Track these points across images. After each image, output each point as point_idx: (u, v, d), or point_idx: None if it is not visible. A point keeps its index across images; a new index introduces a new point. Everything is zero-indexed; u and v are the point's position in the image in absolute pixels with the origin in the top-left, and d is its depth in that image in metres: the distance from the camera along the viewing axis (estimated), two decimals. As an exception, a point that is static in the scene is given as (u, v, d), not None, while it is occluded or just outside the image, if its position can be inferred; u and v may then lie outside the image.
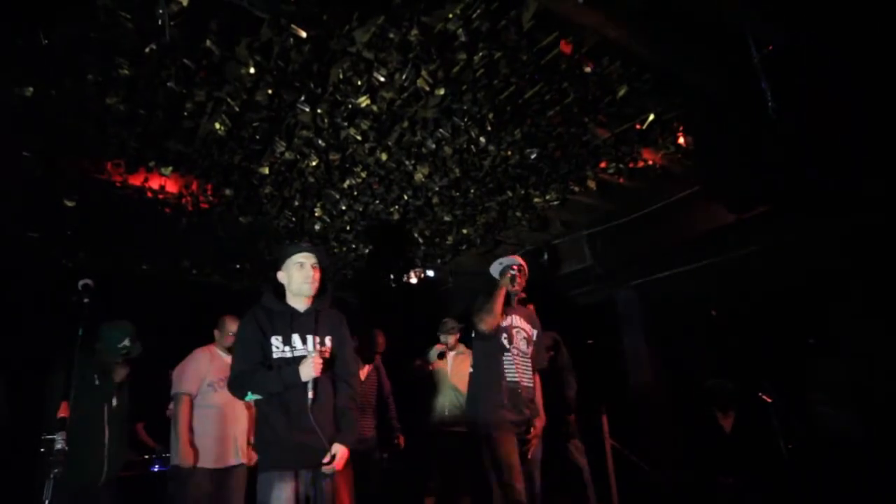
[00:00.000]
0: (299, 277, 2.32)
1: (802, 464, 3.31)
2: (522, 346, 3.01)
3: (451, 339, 4.44)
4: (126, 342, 2.97)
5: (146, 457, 4.41)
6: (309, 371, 2.15)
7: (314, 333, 2.32)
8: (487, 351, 2.97)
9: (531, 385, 3.00)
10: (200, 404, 3.28)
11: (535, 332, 3.13)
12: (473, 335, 3.07)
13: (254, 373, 2.20)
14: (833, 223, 3.47)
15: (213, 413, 3.26)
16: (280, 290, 2.39)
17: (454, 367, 4.39)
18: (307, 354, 2.20)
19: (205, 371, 3.31)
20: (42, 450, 2.14)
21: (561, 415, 3.80)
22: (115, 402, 2.98)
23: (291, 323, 2.29)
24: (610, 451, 4.11)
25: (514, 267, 3.08)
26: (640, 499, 4.15)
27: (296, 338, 2.28)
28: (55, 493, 2.06)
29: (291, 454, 2.15)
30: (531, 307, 3.20)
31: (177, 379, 3.32)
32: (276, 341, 2.25)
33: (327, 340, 2.35)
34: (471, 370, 3.15)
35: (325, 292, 2.43)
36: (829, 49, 2.44)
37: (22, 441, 2.79)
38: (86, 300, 2.35)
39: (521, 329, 3.05)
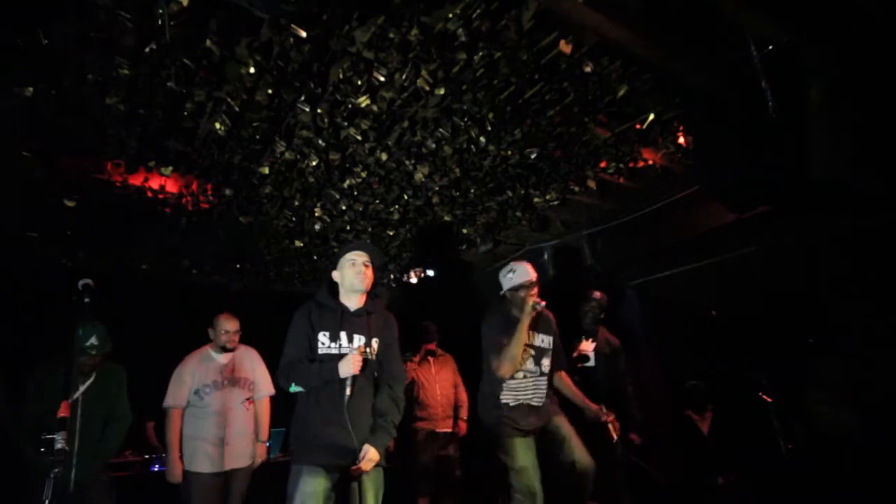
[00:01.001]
0: (351, 273, 2.41)
1: (802, 464, 3.31)
2: (530, 366, 2.86)
3: (433, 345, 4.64)
4: (93, 340, 2.92)
5: (146, 457, 4.40)
6: (347, 368, 2.21)
7: (362, 333, 2.37)
8: (491, 376, 2.84)
9: (541, 404, 2.85)
10: (195, 411, 3.26)
11: (548, 339, 2.96)
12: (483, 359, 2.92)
13: (298, 364, 2.28)
14: (833, 223, 3.47)
15: (209, 418, 3.23)
16: (334, 289, 2.46)
17: (436, 369, 4.56)
18: (350, 352, 2.25)
19: (191, 379, 3.29)
20: (42, 449, 2.13)
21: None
22: (82, 404, 2.90)
23: (341, 320, 2.35)
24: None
25: (533, 293, 2.83)
26: (639, 498, 4.15)
27: (343, 335, 2.33)
28: (55, 492, 2.07)
29: (322, 451, 2.18)
30: (542, 304, 2.85)
31: (167, 393, 3.31)
32: (323, 337, 2.31)
33: (374, 342, 2.39)
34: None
35: (378, 294, 2.52)
36: (830, 48, 2.44)
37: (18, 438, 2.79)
38: (86, 300, 2.35)
39: (528, 348, 2.87)
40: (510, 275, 2.93)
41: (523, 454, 2.69)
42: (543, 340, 2.95)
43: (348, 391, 2.22)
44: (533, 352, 2.88)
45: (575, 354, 3.84)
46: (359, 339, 2.35)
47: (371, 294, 2.49)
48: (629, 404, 3.81)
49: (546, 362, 2.91)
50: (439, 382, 4.51)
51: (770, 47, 2.50)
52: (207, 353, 3.42)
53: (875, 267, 3.48)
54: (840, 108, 2.46)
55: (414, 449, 4.31)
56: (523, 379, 2.82)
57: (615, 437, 3.00)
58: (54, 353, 2.81)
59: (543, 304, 2.79)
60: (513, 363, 2.72)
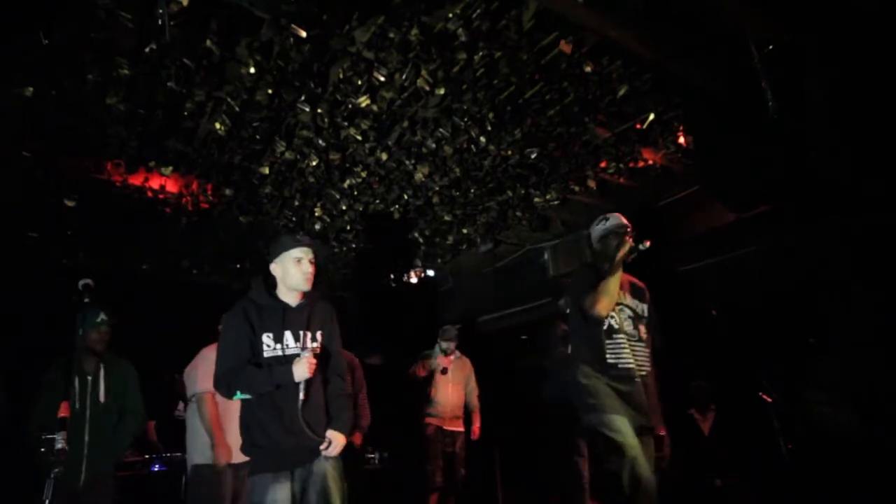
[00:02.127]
0: (296, 273, 2.24)
1: (801, 464, 3.31)
2: (628, 327, 2.51)
3: (453, 346, 4.61)
4: (102, 316, 2.93)
5: (146, 456, 4.40)
6: (303, 371, 2.08)
7: (306, 329, 2.25)
8: (586, 336, 2.48)
9: (644, 375, 2.46)
10: (223, 400, 3.25)
11: (643, 306, 2.63)
12: (568, 311, 2.62)
13: (241, 371, 2.10)
14: (833, 223, 3.47)
15: (233, 408, 3.24)
16: (270, 283, 2.31)
17: (454, 372, 4.57)
18: (300, 353, 2.13)
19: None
20: (43, 450, 2.13)
21: None
22: (90, 399, 2.90)
23: (283, 319, 2.21)
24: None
25: (628, 234, 2.53)
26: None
27: (288, 335, 2.20)
28: (56, 492, 2.07)
29: (286, 456, 2.10)
30: (647, 244, 2.49)
31: (192, 380, 3.28)
32: (266, 339, 2.16)
33: (318, 335, 2.28)
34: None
35: (317, 286, 2.36)
36: (830, 48, 2.44)
37: (22, 440, 2.79)
38: (86, 300, 2.35)
39: (625, 307, 2.56)
40: (602, 223, 2.66)
41: (629, 431, 2.28)
42: (638, 306, 2.62)
43: (302, 395, 2.10)
44: (630, 312, 2.55)
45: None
46: (304, 337, 2.22)
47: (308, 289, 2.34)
48: None
49: (643, 329, 2.55)
50: (452, 383, 4.54)
51: (770, 47, 2.50)
52: None
53: (875, 266, 3.48)
54: (840, 108, 2.46)
55: (423, 443, 4.36)
56: (623, 340, 2.45)
57: (666, 453, 2.52)
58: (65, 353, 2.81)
59: (649, 243, 2.45)
60: (610, 299, 2.38)
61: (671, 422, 2.59)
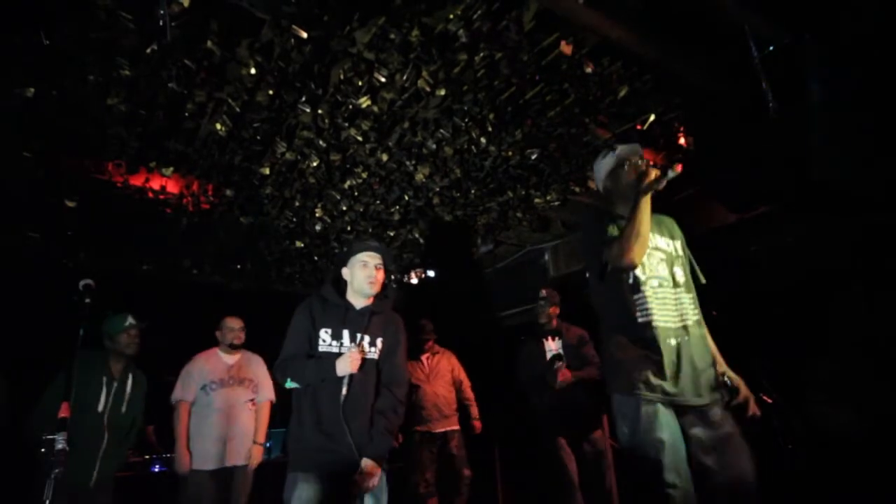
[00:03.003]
0: (362, 276, 2.32)
1: (801, 463, 3.32)
2: (662, 271, 1.99)
3: (430, 343, 4.55)
4: (130, 320, 3.04)
5: (146, 457, 4.41)
6: (345, 366, 2.12)
7: (365, 332, 2.28)
8: (608, 298, 2.00)
9: (693, 331, 1.92)
10: (200, 407, 3.32)
11: (675, 244, 2.16)
12: (588, 275, 2.11)
13: (296, 360, 2.20)
14: (834, 223, 3.47)
15: (213, 415, 3.30)
16: (341, 285, 2.39)
17: (433, 369, 4.45)
18: (349, 350, 2.18)
19: (199, 375, 3.37)
20: (43, 450, 2.13)
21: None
22: (113, 402, 2.97)
23: (345, 318, 2.28)
24: (610, 449, 4.11)
25: (643, 162, 2.09)
26: (638, 497, 4.15)
27: (346, 333, 2.26)
28: (55, 493, 2.07)
29: (317, 456, 2.10)
30: (678, 170, 1.96)
31: (176, 387, 3.40)
32: (324, 334, 2.24)
33: (378, 342, 2.30)
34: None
35: (386, 295, 2.44)
36: (830, 48, 2.44)
37: (23, 441, 2.79)
38: (87, 300, 2.35)
39: (653, 250, 2.03)
40: (609, 155, 2.20)
41: (665, 422, 1.76)
42: (669, 244, 2.13)
43: (344, 390, 2.12)
44: (661, 254, 2.05)
45: (548, 358, 3.88)
46: (361, 338, 2.26)
47: (379, 295, 2.39)
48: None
49: (680, 272, 2.04)
50: (432, 382, 4.38)
51: (770, 47, 2.50)
52: (216, 352, 3.55)
53: (875, 267, 3.49)
54: (840, 109, 2.46)
55: (412, 454, 4.22)
56: (659, 288, 1.93)
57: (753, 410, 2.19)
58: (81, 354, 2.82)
59: (680, 167, 1.91)
60: (643, 241, 1.83)
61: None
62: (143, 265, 5.14)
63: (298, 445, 2.16)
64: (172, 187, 3.88)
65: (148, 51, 2.45)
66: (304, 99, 2.91)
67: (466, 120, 3.21)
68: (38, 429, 2.55)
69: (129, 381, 3.06)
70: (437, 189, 4.05)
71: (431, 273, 5.80)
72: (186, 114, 3.00)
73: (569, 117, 3.27)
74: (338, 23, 2.45)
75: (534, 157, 3.63)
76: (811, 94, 2.48)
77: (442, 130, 3.29)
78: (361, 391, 2.19)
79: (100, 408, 2.89)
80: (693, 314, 1.99)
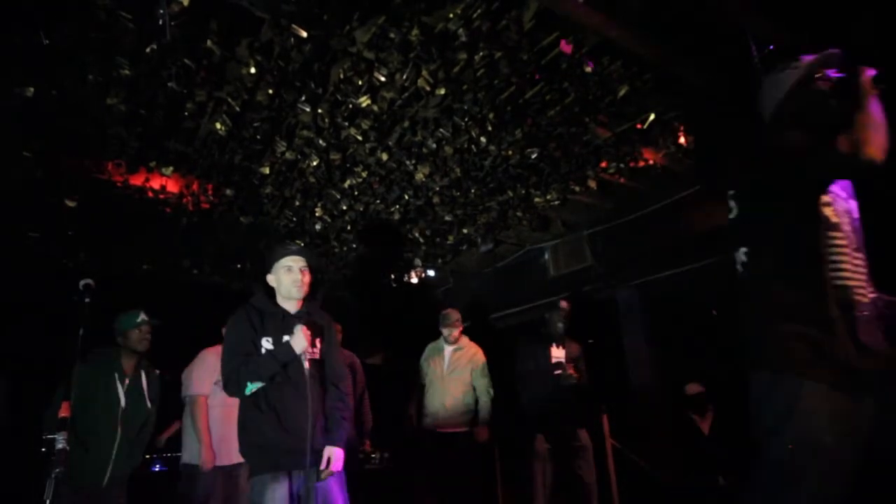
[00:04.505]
0: (287, 281, 2.31)
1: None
2: (847, 224, 1.52)
3: (455, 333, 4.13)
4: (142, 316, 2.99)
5: (147, 456, 4.40)
6: (301, 340, 2.16)
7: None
8: (794, 224, 1.48)
9: (870, 293, 1.48)
10: (216, 402, 3.30)
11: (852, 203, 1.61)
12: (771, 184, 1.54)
13: (247, 363, 2.16)
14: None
15: (219, 412, 3.28)
16: (271, 292, 2.39)
17: (451, 365, 4.08)
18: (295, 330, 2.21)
19: (213, 370, 3.31)
20: (43, 449, 2.14)
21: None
22: (125, 402, 2.92)
23: (283, 325, 2.27)
24: (611, 450, 4.11)
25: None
26: (640, 499, 4.15)
27: (287, 339, 2.26)
28: (57, 492, 2.06)
29: (283, 456, 2.12)
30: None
31: (187, 382, 3.36)
32: (266, 343, 2.22)
33: (317, 342, 2.34)
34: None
35: (316, 294, 2.44)
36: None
37: (23, 441, 2.79)
38: (87, 300, 2.35)
39: (837, 197, 1.55)
40: (791, 68, 1.64)
41: (833, 414, 1.33)
42: (848, 200, 1.62)
43: (307, 364, 2.17)
44: (844, 205, 1.56)
45: (553, 361, 3.96)
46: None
47: (308, 297, 2.40)
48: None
49: (858, 231, 1.55)
50: (446, 379, 4.03)
51: (770, 47, 2.50)
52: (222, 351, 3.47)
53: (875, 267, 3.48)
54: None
55: (417, 453, 4.16)
56: (851, 245, 1.48)
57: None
58: (92, 354, 2.82)
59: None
60: (884, 133, 1.40)
61: (669, 423, 2.39)
62: (143, 265, 5.15)
63: (261, 448, 2.14)
64: (172, 187, 3.88)
65: (148, 50, 2.45)
66: (303, 98, 2.90)
67: (466, 119, 3.21)
68: (50, 429, 2.54)
69: (143, 379, 3.02)
70: (437, 188, 4.05)
71: (431, 273, 5.80)
72: (186, 113, 3.00)
73: (568, 116, 3.27)
74: (337, 22, 2.45)
75: (534, 156, 3.63)
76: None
77: (442, 130, 3.29)
78: (316, 390, 2.24)
79: (113, 406, 2.86)
80: (870, 283, 1.51)
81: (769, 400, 1.40)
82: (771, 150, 1.52)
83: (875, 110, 1.44)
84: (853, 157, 1.38)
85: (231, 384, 2.20)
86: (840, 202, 1.54)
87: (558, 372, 3.89)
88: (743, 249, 1.60)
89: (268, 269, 2.38)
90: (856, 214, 1.59)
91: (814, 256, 1.42)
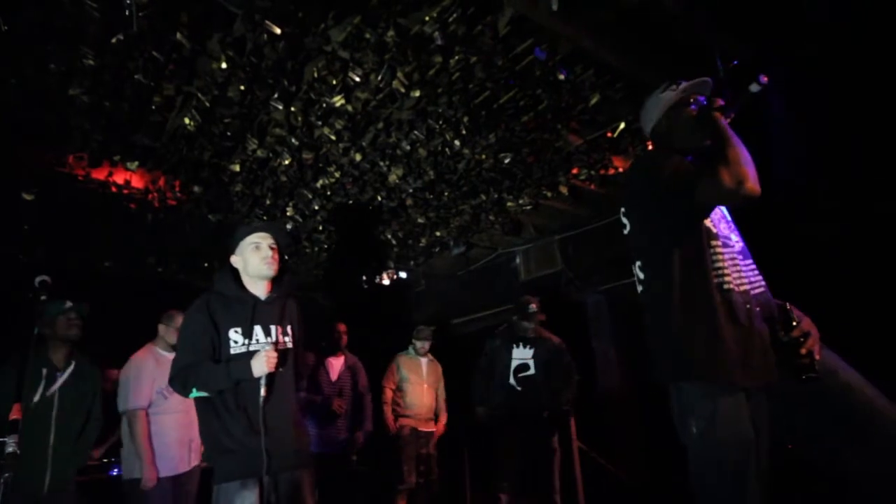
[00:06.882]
0: (256, 259, 2.09)
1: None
2: (723, 228, 1.65)
3: (427, 346, 4.59)
4: (69, 303, 2.79)
5: (105, 461, 4.24)
6: (261, 366, 1.92)
7: (276, 322, 2.12)
8: (682, 250, 1.57)
9: (764, 300, 1.60)
10: (155, 413, 3.10)
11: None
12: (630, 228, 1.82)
13: (198, 367, 1.95)
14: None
15: (170, 419, 3.10)
16: (236, 276, 2.16)
17: (428, 375, 4.57)
18: (262, 348, 1.98)
19: (151, 378, 3.11)
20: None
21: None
22: (58, 396, 2.75)
23: (253, 313, 2.06)
24: (577, 452, 4.16)
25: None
26: (606, 501, 4.21)
27: (258, 330, 2.06)
28: (6, 498, 1.98)
29: (253, 460, 1.93)
30: (765, 81, 1.69)
31: (123, 395, 3.09)
32: (234, 334, 2.02)
33: (289, 329, 2.16)
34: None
35: (285, 277, 2.22)
36: (789, 60, 2.55)
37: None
38: (42, 297, 2.27)
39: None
40: (668, 90, 1.80)
41: (733, 411, 1.44)
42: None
43: (263, 391, 1.93)
44: (719, 212, 1.68)
45: (514, 366, 3.97)
46: (276, 331, 2.09)
47: (277, 278, 2.17)
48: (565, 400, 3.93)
49: (737, 237, 1.69)
50: (427, 384, 4.52)
51: (734, 62, 2.59)
52: (157, 352, 3.23)
53: (876, 269, 3.53)
54: (798, 120, 2.57)
55: (399, 443, 4.32)
56: (723, 248, 1.58)
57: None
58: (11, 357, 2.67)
59: (766, 79, 1.63)
60: (748, 165, 1.47)
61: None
62: (104, 262, 4.98)
63: (230, 453, 1.95)
64: (137, 182, 3.77)
65: (114, 41, 2.38)
66: (276, 96, 2.87)
67: (441, 122, 3.22)
68: None
69: (73, 371, 2.81)
70: (411, 190, 4.05)
71: (403, 274, 5.78)
72: (153, 107, 2.92)
73: (541, 123, 3.32)
74: (312, 20, 2.43)
75: (507, 161, 3.67)
76: (772, 107, 2.58)
77: (416, 132, 3.29)
78: (281, 387, 2.06)
79: (36, 400, 2.65)
80: (761, 283, 1.65)
81: (691, 410, 1.49)
82: (661, 175, 1.60)
83: (739, 143, 1.53)
84: (735, 191, 1.46)
85: (177, 382, 2.01)
86: (716, 211, 1.66)
87: (522, 374, 3.93)
88: (638, 263, 1.74)
89: (231, 251, 2.16)
90: (729, 217, 1.73)
91: (700, 268, 1.54)
